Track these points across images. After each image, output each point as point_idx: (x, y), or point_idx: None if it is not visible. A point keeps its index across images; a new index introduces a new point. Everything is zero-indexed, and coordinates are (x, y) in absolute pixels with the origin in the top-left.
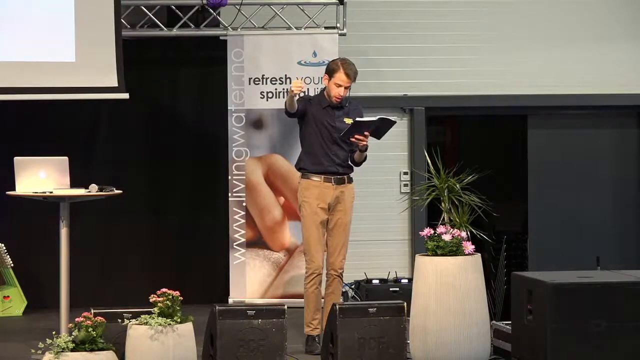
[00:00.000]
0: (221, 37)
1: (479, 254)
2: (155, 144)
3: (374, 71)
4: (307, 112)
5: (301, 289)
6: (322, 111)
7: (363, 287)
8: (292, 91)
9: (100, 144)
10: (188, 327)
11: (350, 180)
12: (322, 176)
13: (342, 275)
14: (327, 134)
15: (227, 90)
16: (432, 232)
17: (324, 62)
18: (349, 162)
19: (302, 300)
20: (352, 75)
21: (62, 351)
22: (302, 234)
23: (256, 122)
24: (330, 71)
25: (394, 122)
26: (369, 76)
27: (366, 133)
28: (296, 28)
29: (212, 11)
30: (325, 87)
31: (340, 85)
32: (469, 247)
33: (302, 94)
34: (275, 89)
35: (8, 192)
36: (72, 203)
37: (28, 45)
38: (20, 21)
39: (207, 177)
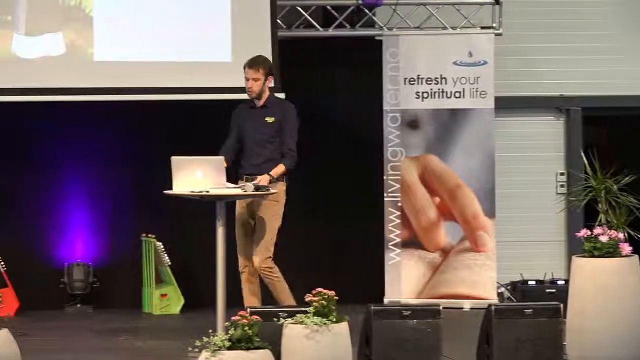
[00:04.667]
0: (377, 38)
1: (637, 257)
2: (310, 144)
3: (530, 71)
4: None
5: (459, 290)
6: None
7: (519, 289)
8: None
9: None
10: (344, 327)
11: None
12: None
13: None
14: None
15: (383, 91)
16: (589, 233)
17: (480, 62)
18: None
19: (459, 301)
20: (252, 65)
21: (218, 350)
22: (270, 233)
23: (412, 123)
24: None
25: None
26: (525, 76)
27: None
28: (452, 28)
29: (367, 11)
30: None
31: (247, 79)
32: (626, 249)
33: None
34: (431, 90)
35: (166, 192)
36: (229, 203)
37: (185, 46)
38: (177, 22)
39: (363, 178)
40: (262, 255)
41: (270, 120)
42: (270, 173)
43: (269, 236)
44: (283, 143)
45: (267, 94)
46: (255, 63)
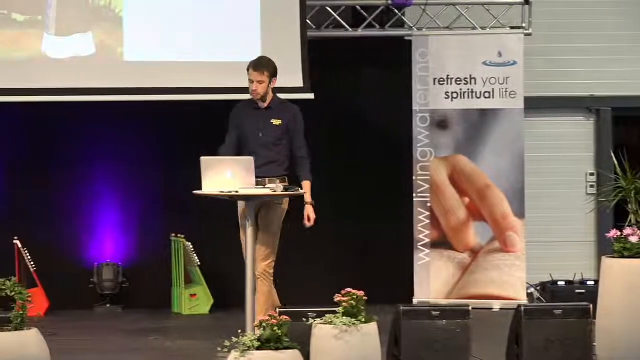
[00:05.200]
0: (406, 38)
1: None
2: (339, 144)
3: (560, 71)
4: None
5: (488, 290)
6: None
7: (548, 289)
8: None
9: None
10: (372, 327)
11: None
12: None
13: None
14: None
15: (412, 91)
16: (619, 233)
17: (509, 62)
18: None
19: (489, 301)
20: (257, 67)
21: (247, 350)
22: (276, 236)
23: (441, 123)
24: (247, 71)
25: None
26: (555, 76)
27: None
28: (481, 28)
29: (397, 11)
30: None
31: (251, 81)
32: None
33: None
34: (460, 89)
35: (195, 192)
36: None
37: (215, 46)
38: (207, 22)
39: (391, 178)
40: (268, 260)
41: (276, 122)
42: (309, 201)
43: (275, 241)
44: (298, 148)
45: (270, 95)
46: (260, 65)
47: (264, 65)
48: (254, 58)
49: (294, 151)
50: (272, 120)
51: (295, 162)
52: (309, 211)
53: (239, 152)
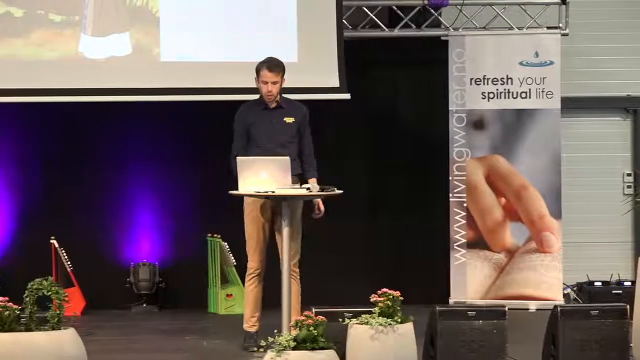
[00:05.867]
0: (442, 38)
1: None
2: (375, 144)
3: (597, 71)
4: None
5: (524, 290)
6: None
7: (585, 289)
8: None
9: (321, 144)
10: (408, 327)
11: None
12: None
13: None
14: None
15: (448, 91)
16: None
17: (546, 62)
18: None
19: (525, 302)
20: (272, 69)
21: (283, 349)
22: (300, 235)
23: (477, 123)
24: (257, 72)
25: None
26: (591, 77)
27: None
28: (518, 28)
29: (433, 11)
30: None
31: (265, 82)
32: None
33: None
34: (497, 90)
35: (231, 192)
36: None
37: (251, 46)
38: (243, 23)
39: (428, 178)
40: (295, 259)
41: (289, 120)
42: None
43: (299, 239)
44: (306, 146)
45: (279, 94)
46: (275, 67)
47: (277, 66)
48: (292, 58)
49: (302, 148)
50: (285, 119)
51: (302, 159)
52: (320, 203)
53: (246, 154)
